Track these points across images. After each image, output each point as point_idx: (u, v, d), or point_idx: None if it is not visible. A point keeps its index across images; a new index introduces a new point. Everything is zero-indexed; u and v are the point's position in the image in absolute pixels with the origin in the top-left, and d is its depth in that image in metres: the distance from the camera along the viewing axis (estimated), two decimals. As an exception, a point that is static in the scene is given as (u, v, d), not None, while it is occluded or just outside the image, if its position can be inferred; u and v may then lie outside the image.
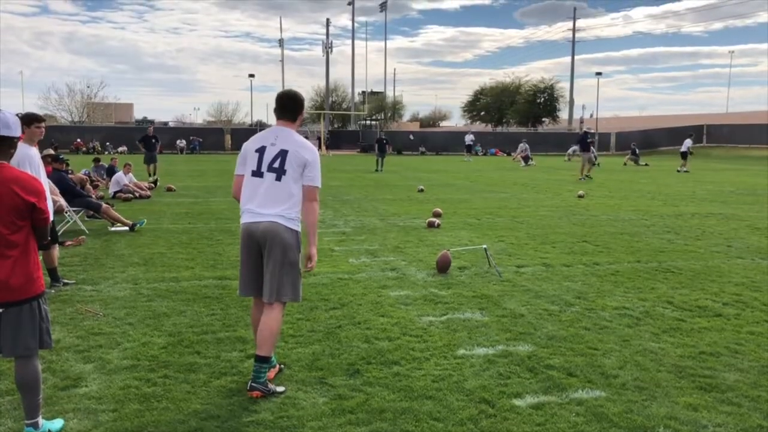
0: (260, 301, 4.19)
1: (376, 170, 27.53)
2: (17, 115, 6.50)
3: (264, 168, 4.06)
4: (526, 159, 34.27)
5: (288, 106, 4.18)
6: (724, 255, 8.80)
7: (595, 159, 34.34)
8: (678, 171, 28.23)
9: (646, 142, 51.75)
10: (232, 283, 6.91)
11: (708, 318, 5.81)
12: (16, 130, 3.37)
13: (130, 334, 5.21)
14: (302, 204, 4.09)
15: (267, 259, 4.04)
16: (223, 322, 5.53)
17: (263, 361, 4.04)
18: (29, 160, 5.82)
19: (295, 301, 4.24)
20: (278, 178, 4.02)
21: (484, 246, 8.14)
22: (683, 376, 4.41)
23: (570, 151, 45.23)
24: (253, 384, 4.02)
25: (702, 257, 8.64)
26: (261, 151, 4.10)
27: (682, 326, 5.55)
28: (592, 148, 25.59)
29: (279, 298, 4.06)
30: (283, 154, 4.03)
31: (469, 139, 44.23)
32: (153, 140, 21.22)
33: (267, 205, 4.02)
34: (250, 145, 4.20)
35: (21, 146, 5.77)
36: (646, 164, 33.67)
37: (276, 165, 4.03)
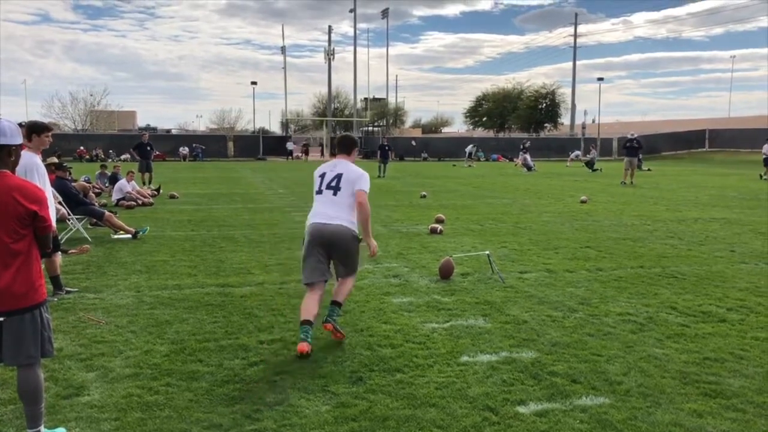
0: (319, 288, 5.24)
1: (379, 176, 27.53)
2: (22, 123, 6.53)
3: (323, 187, 5.33)
4: (528, 167, 34.27)
5: (346, 143, 5.64)
6: (728, 260, 8.78)
7: (593, 164, 34.49)
8: (761, 177, 26.23)
9: (648, 147, 51.57)
10: (234, 290, 6.91)
11: (712, 323, 5.78)
12: (13, 138, 3.36)
13: (132, 342, 5.20)
14: (356, 206, 5.26)
15: (336, 252, 5.29)
16: (226, 330, 5.52)
17: (338, 305, 5.28)
18: (36, 168, 5.84)
19: (355, 272, 5.52)
20: (335, 194, 5.27)
21: (487, 252, 8.12)
22: (688, 382, 4.39)
23: (573, 155, 45.29)
24: (328, 318, 5.14)
25: (705, 262, 8.61)
26: (322, 176, 5.42)
27: (686, 332, 5.53)
28: (639, 154, 25.04)
29: (350, 274, 5.43)
30: (338, 177, 5.31)
31: (469, 148, 44.41)
32: (147, 147, 21.11)
33: (331, 214, 5.23)
34: (316, 172, 5.52)
35: (28, 154, 5.79)
36: (648, 169, 33.62)
37: (333, 184, 5.30)
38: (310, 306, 5.10)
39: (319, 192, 5.35)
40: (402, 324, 5.72)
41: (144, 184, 20.08)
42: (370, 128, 77.21)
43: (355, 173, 5.32)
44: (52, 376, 4.41)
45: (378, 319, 5.86)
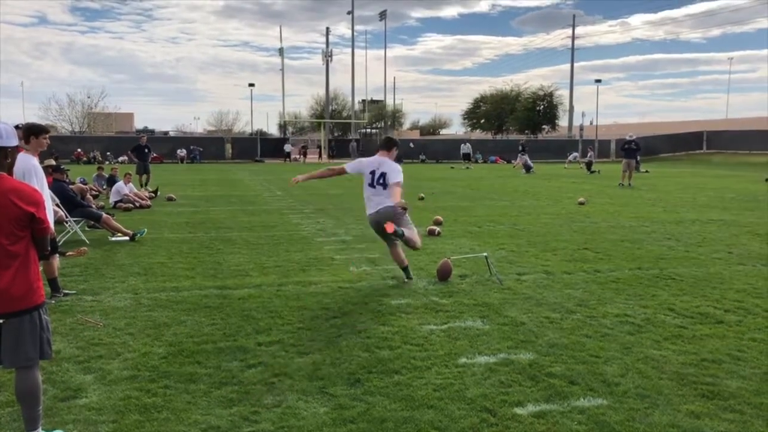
0: (393, 246, 7.42)
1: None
2: (19, 125, 6.52)
3: (375, 183, 7.19)
4: (527, 168, 34.29)
5: (386, 143, 7.51)
6: (725, 261, 8.79)
7: (591, 166, 34.55)
8: None
9: (646, 148, 51.63)
10: (232, 292, 6.91)
11: (710, 325, 5.79)
12: (8, 140, 3.36)
13: (130, 344, 5.20)
14: (391, 189, 7.07)
15: (382, 224, 7.03)
16: (224, 332, 5.52)
17: (406, 269, 7.55)
18: (35, 170, 5.84)
19: (409, 225, 7.34)
20: (384, 188, 7.14)
21: (485, 254, 8.13)
22: (685, 383, 4.40)
23: (571, 157, 45.36)
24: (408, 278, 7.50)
25: (703, 264, 8.63)
26: (373, 173, 7.20)
27: (684, 333, 5.54)
28: (637, 155, 25.02)
29: (407, 227, 7.22)
30: (383, 175, 7.16)
31: (465, 148, 44.81)
32: (146, 150, 21.13)
33: (379, 201, 7.16)
34: (366, 167, 7.31)
35: (26, 157, 5.79)
36: (646, 171, 33.66)
37: (381, 181, 7.17)
38: (397, 256, 7.49)
39: (372, 186, 7.20)
40: (400, 326, 5.72)
41: (141, 186, 20.08)
42: (369, 130, 77.16)
43: (394, 170, 7.18)
44: (49, 378, 4.40)
45: (376, 321, 5.86)
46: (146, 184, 20.52)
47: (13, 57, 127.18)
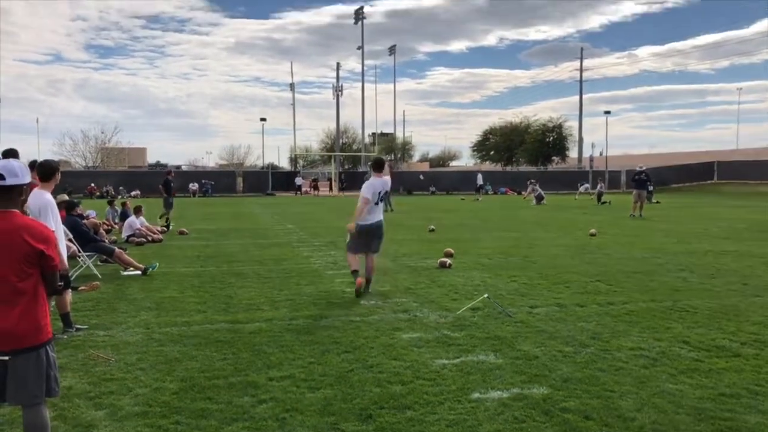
0: (360, 256, 8.85)
1: (386, 210, 27.57)
2: (34, 162, 6.63)
3: (379, 201, 8.74)
4: (539, 198, 34.27)
5: (380, 166, 8.94)
6: (741, 293, 8.70)
7: (601, 197, 34.49)
8: None
9: (656, 179, 51.60)
10: (243, 326, 6.90)
11: (726, 358, 5.71)
12: (24, 178, 3.40)
13: (141, 379, 5.19)
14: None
15: (375, 239, 8.85)
16: (235, 367, 5.50)
17: (369, 282, 8.83)
18: (51, 207, 5.92)
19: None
20: (382, 201, 8.84)
21: (486, 295, 8.03)
22: (702, 418, 4.33)
23: (582, 188, 45.32)
24: (366, 291, 8.71)
25: (717, 296, 8.54)
26: (379, 193, 8.67)
27: (700, 367, 5.46)
28: (649, 186, 25.01)
29: (377, 252, 9.08)
30: (386, 194, 8.98)
31: (479, 179, 45.14)
32: (172, 184, 21.40)
33: (378, 215, 8.81)
34: (376, 189, 8.64)
35: (40, 192, 5.88)
36: (657, 201, 33.53)
37: (381, 197, 8.79)
38: (353, 262, 8.84)
39: (376, 203, 8.67)
40: (412, 360, 5.68)
41: (166, 220, 20.09)
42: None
43: (388, 186, 8.93)
44: (61, 414, 4.39)
45: (388, 355, 5.82)
46: (168, 219, 20.43)
47: (28, 94, 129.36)
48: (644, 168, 25.15)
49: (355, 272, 8.71)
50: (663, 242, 15.04)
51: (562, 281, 9.66)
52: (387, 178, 8.84)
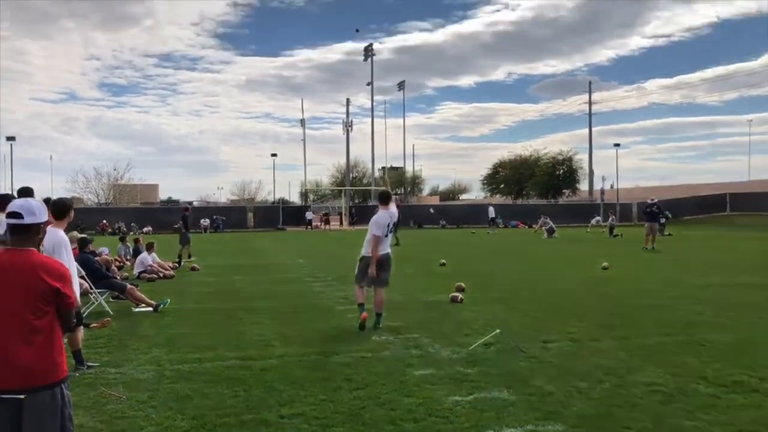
0: (368, 289, 8.95)
1: (396, 244, 27.55)
2: (47, 200, 6.70)
3: (388, 233, 8.78)
4: (550, 231, 34.18)
5: (386, 199, 8.98)
6: (757, 327, 8.58)
7: (612, 230, 34.37)
8: None
9: (669, 211, 51.43)
10: (255, 363, 6.87)
11: (744, 394, 5.62)
12: (41, 217, 3.44)
13: (152, 417, 5.16)
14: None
15: (383, 271, 8.78)
16: (246, 404, 5.46)
17: (380, 315, 8.81)
18: (65, 245, 5.98)
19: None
20: (391, 233, 8.92)
21: (498, 330, 7.96)
22: (722, 456, 4.24)
23: (593, 221, 45.18)
24: (377, 325, 8.70)
25: (733, 329, 8.43)
26: (388, 225, 8.67)
27: (718, 403, 5.37)
28: (661, 218, 25.03)
29: (386, 286, 9.05)
30: (394, 226, 8.95)
31: (491, 212, 45.26)
32: (189, 220, 21.55)
33: (386, 248, 8.82)
34: (384, 222, 8.63)
35: (54, 230, 5.93)
36: (669, 234, 33.33)
37: (391, 230, 8.83)
38: (359, 295, 8.92)
39: (386, 236, 8.71)
40: (425, 397, 5.62)
41: (189, 257, 20.20)
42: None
43: (396, 217, 9.00)
44: (72, 454, 4.36)
45: (400, 392, 5.77)
46: (188, 255, 20.50)
47: (42, 132, 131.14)
48: (656, 200, 25.08)
49: (360, 305, 8.74)
50: (676, 275, 14.91)
51: (576, 315, 9.58)
52: (394, 210, 8.94)
